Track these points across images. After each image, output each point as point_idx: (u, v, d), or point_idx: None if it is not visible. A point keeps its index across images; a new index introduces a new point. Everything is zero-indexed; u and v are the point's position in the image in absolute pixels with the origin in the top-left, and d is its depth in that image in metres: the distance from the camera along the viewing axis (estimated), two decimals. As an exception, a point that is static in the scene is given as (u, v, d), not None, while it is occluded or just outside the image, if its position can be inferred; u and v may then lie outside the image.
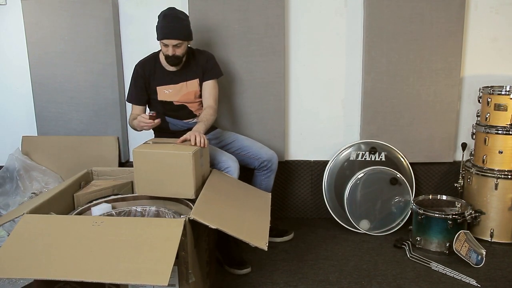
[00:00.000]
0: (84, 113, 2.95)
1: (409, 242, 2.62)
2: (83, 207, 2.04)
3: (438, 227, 2.53)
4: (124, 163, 3.03)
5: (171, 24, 2.31)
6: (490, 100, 2.64)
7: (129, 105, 3.00)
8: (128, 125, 3.03)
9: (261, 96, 2.88)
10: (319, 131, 3.03)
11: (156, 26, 2.35)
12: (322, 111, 3.00)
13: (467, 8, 2.81)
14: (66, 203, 2.09)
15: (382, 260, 2.46)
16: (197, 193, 2.00)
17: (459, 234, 2.43)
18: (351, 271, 2.35)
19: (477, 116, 2.79)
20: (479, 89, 2.76)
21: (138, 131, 2.39)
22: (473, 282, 2.22)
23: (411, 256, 2.49)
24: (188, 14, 2.77)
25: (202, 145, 2.08)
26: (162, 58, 2.44)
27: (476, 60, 2.91)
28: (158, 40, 2.36)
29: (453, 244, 2.41)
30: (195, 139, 2.08)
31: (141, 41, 2.93)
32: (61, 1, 2.83)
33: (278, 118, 2.91)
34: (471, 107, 2.95)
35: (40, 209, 1.84)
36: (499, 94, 2.61)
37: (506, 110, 2.59)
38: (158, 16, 2.36)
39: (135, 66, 2.47)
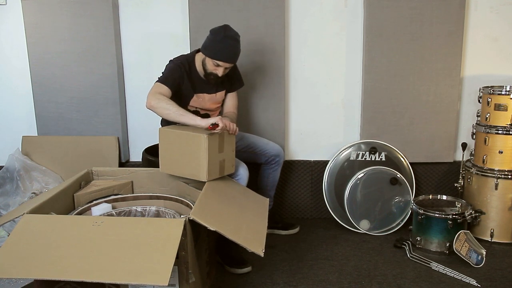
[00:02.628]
0: (84, 113, 2.95)
1: (409, 242, 2.62)
2: (83, 207, 2.04)
3: (438, 227, 2.53)
4: (124, 163, 3.03)
5: (233, 48, 2.24)
6: (490, 100, 2.64)
7: (129, 105, 3.02)
8: (128, 124, 3.05)
9: (261, 96, 2.88)
10: (319, 131, 3.03)
11: (211, 43, 2.24)
12: (322, 111, 3.00)
13: (467, 8, 2.80)
14: (66, 203, 2.09)
15: (382, 260, 2.46)
16: (211, 177, 2.07)
17: (459, 234, 2.43)
18: (351, 271, 2.35)
19: (477, 116, 2.79)
20: (479, 89, 2.76)
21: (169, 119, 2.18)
22: (473, 282, 2.22)
23: (411, 256, 2.49)
24: (188, 14, 2.79)
25: (232, 131, 2.13)
26: (198, 66, 2.34)
27: (476, 60, 2.91)
28: (210, 58, 2.23)
29: (453, 244, 2.41)
30: (224, 124, 2.05)
31: (141, 41, 2.94)
32: (61, 1, 2.82)
33: (278, 118, 2.91)
34: (471, 107, 2.95)
35: (40, 209, 1.83)
36: (499, 94, 2.62)
37: (506, 110, 2.59)
38: (214, 33, 2.24)
39: (177, 60, 2.32)
